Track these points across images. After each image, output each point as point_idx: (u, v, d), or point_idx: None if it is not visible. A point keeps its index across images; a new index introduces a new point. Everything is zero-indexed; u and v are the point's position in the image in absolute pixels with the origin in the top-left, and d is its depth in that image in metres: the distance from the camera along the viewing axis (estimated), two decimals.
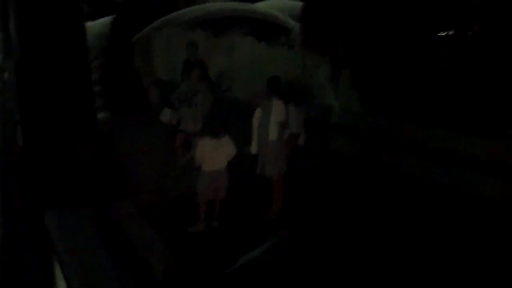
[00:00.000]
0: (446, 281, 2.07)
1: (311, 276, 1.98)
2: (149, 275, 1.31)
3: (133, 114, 3.13)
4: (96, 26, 2.79)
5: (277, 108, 2.89)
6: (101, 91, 2.52)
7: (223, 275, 2.08)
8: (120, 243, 1.43)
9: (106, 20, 2.93)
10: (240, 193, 2.85)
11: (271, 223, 2.65)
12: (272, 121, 2.91)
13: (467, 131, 2.53)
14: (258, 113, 2.94)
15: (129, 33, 3.14)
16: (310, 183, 3.05)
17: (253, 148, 2.98)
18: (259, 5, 3.62)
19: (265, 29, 3.43)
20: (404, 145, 2.95)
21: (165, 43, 3.72)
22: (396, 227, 2.31)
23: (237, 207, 2.84)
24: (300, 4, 3.47)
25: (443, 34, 2.96)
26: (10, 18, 1.76)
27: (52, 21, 1.65)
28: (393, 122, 3.10)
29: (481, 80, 2.62)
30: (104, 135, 2.11)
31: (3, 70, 3.49)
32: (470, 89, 2.64)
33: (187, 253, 2.26)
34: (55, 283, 1.29)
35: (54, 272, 1.30)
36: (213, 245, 2.47)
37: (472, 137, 2.56)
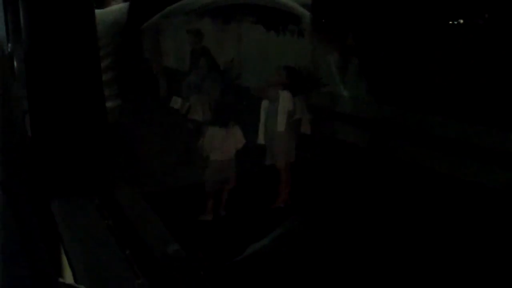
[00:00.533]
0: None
1: (318, 266, 1.98)
2: (156, 264, 1.32)
3: (142, 102, 3.13)
4: (106, 13, 2.78)
5: (285, 98, 2.87)
6: (111, 79, 2.52)
7: (231, 264, 2.08)
8: (127, 232, 1.43)
9: (117, 7, 2.92)
10: (248, 183, 2.85)
11: (278, 212, 2.65)
12: (280, 111, 2.89)
13: (478, 121, 2.51)
14: (265, 103, 2.93)
15: (143, 20, 3.14)
16: (316, 172, 3.04)
17: (261, 139, 2.97)
18: None
19: (274, 17, 3.42)
20: (413, 135, 2.93)
21: (172, 32, 3.71)
22: (401, 219, 2.30)
23: (245, 197, 2.84)
24: None
25: (454, 23, 2.93)
26: (19, 6, 1.77)
27: (61, 8, 1.65)
28: (402, 112, 3.08)
29: (492, 70, 2.59)
30: (113, 123, 2.11)
31: (13, 58, 3.50)
32: (480, 80, 2.62)
33: (194, 243, 2.27)
34: (61, 270, 1.30)
35: (60, 260, 1.31)
36: (221, 234, 2.48)
37: (482, 127, 2.53)
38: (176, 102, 3.72)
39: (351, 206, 2.55)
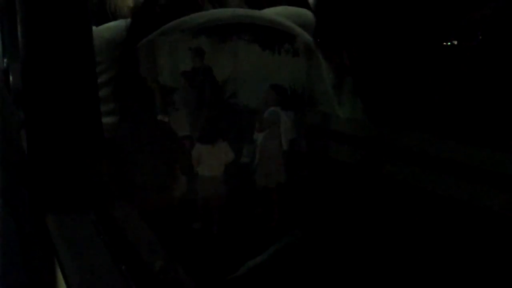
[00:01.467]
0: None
1: (319, 284, 1.97)
2: (152, 280, 1.31)
3: (138, 118, 3.14)
4: (103, 30, 2.80)
5: (287, 125, 2.87)
6: (107, 95, 2.53)
7: (226, 282, 2.06)
8: (122, 247, 1.43)
9: (114, 24, 2.94)
10: (237, 200, 2.85)
11: (270, 230, 2.64)
12: (283, 138, 2.88)
13: (473, 141, 2.51)
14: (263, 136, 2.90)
15: (141, 38, 3.16)
16: (309, 190, 3.03)
17: (249, 157, 2.96)
18: (265, 12, 3.61)
19: (270, 36, 3.44)
20: (407, 155, 2.93)
21: (168, 49, 3.73)
22: (396, 238, 2.29)
23: (236, 215, 2.83)
24: (305, 11, 3.48)
25: (449, 43, 2.96)
26: (17, 21, 1.78)
27: (59, 24, 1.66)
28: (397, 131, 3.08)
29: (486, 90, 2.61)
30: (109, 139, 2.12)
31: (8, 73, 3.51)
32: (476, 99, 2.63)
33: (189, 259, 2.26)
34: (56, 286, 1.29)
35: (55, 275, 1.31)
36: (215, 251, 2.47)
37: (479, 148, 2.53)
38: (165, 119, 3.73)
39: (347, 224, 2.55)
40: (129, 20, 2.53)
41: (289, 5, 3.28)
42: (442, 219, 2.43)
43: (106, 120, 2.16)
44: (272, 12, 3.52)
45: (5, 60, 3.88)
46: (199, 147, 2.79)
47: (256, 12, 3.42)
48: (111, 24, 2.84)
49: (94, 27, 2.25)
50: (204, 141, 2.75)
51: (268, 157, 2.88)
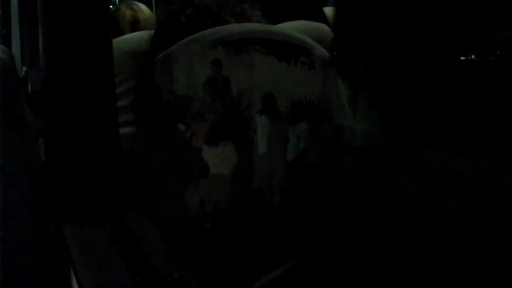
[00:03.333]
0: None
1: None
2: None
3: (157, 129, 3.15)
4: (122, 42, 2.84)
5: (276, 127, 2.86)
6: (126, 105, 2.55)
7: None
8: (138, 258, 1.43)
9: (133, 36, 2.98)
10: (245, 208, 2.84)
11: (284, 243, 2.62)
12: (274, 138, 2.88)
13: (492, 157, 2.47)
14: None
15: (162, 50, 3.19)
16: (321, 203, 3.00)
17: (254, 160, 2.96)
18: (282, 27, 3.63)
19: (287, 48, 3.44)
20: (423, 170, 2.90)
21: (185, 60, 3.75)
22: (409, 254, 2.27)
23: (240, 218, 2.81)
24: (322, 25, 3.50)
25: (466, 59, 2.95)
26: (38, 30, 1.80)
27: (80, 34, 1.68)
28: (412, 146, 3.05)
29: (506, 106, 2.58)
30: (127, 150, 2.13)
31: (27, 81, 3.54)
32: (493, 116, 2.60)
33: (203, 272, 2.25)
34: None
35: (71, 286, 1.31)
36: (225, 266, 2.46)
37: (499, 164, 2.50)
38: (180, 130, 3.75)
39: (361, 239, 2.53)
40: (151, 32, 2.55)
41: (306, 19, 3.30)
42: (458, 235, 2.40)
43: (123, 130, 2.17)
44: (289, 26, 3.54)
45: (24, 68, 3.92)
46: (205, 149, 2.78)
47: (273, 28, 3.43)
48: (129, 36, 2.88)
49: (114, 39, 2.27)
50: (210, 143, 2.75)
51: (273, 161, 2.87)
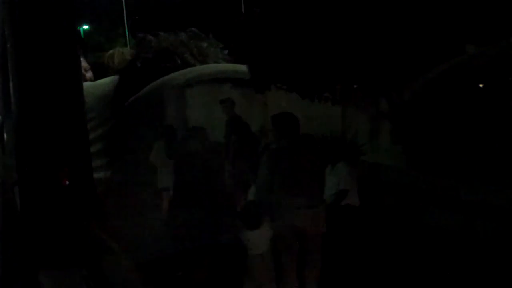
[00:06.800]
0: None
1: None
2: None
3: (131, 173, 3.14)
4: (95, 86, 2.84)
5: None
6: (99, 150, 2.54)
7: None
8: None
9: (105, 81, 2.99)
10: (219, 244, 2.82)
11: None
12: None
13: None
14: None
15: (132, 93, 3.18)
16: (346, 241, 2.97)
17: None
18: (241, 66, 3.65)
19: (310, 85, 3.37)
20: (451, 204, 2.89)
21: (158, 103, 3.72)
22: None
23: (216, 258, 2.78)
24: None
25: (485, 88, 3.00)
26: (10, 80, 1.81)
27: (51, 83, 1.70)
28: (439, 180, 3.06)
29: None
30: (101, 195, 2.12)
31: (2, 131, 3.53)
32: None
33: None
34: None
35: None
36: None
37: None
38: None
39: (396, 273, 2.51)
40: (116, 77, 2.58)
41: None
42: (487, 264, 2.39)
43: (98, 175, 2.18)
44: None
45: None
46: (247, 233, 2.74)
47: (236, 66, 3.45)
48: (101, 81, 2.90)
49: (86, 84, 2.29)
50: (251, 227, 2.71)
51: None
